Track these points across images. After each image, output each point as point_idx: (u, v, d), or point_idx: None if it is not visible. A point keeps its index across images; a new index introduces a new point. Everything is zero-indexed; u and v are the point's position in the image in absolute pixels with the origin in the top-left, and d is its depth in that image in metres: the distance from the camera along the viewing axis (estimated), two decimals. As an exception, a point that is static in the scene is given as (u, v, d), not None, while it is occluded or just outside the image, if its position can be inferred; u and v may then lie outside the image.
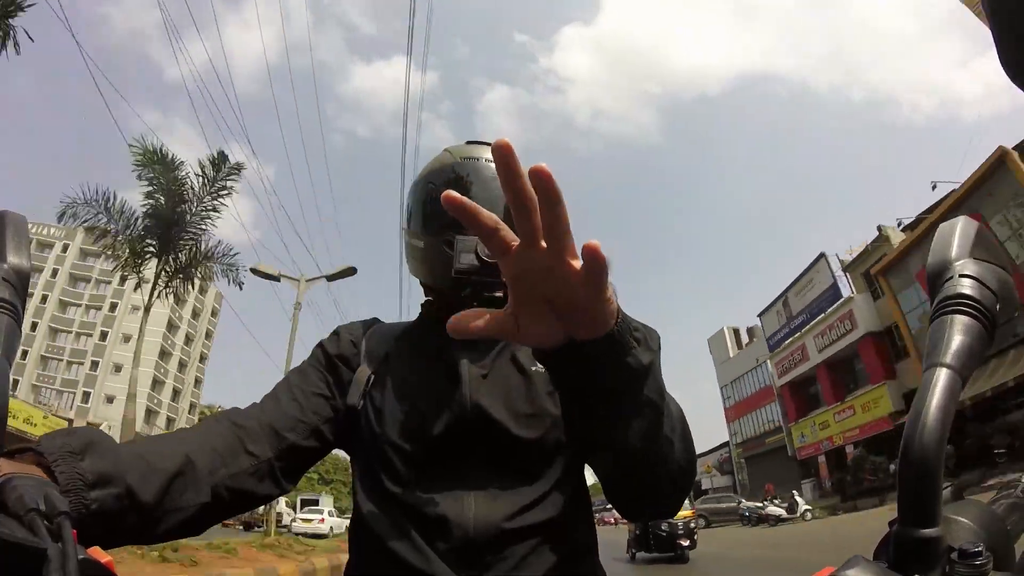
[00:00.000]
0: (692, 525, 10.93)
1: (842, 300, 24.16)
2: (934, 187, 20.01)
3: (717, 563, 10.15)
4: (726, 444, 39.38)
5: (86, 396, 47.42)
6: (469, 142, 0.88)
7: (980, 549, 0.32)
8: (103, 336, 49.49)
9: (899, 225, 22.10)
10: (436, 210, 0.81)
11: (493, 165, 0.81)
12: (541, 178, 0.41)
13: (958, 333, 0.36)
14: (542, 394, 0.76)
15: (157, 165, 12.27)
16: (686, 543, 10.14)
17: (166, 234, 12.67)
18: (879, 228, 22.45)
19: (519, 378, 0.77)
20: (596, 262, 0.42)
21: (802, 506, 19.72)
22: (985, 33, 0.35)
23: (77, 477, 0.49)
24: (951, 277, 0.39)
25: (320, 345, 0.84)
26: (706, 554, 11.22)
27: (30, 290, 0.49)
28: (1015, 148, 16.22)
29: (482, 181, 0.81)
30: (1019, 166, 15.95)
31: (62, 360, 48.32)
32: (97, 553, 0.37)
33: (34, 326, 46.52)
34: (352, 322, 0.89)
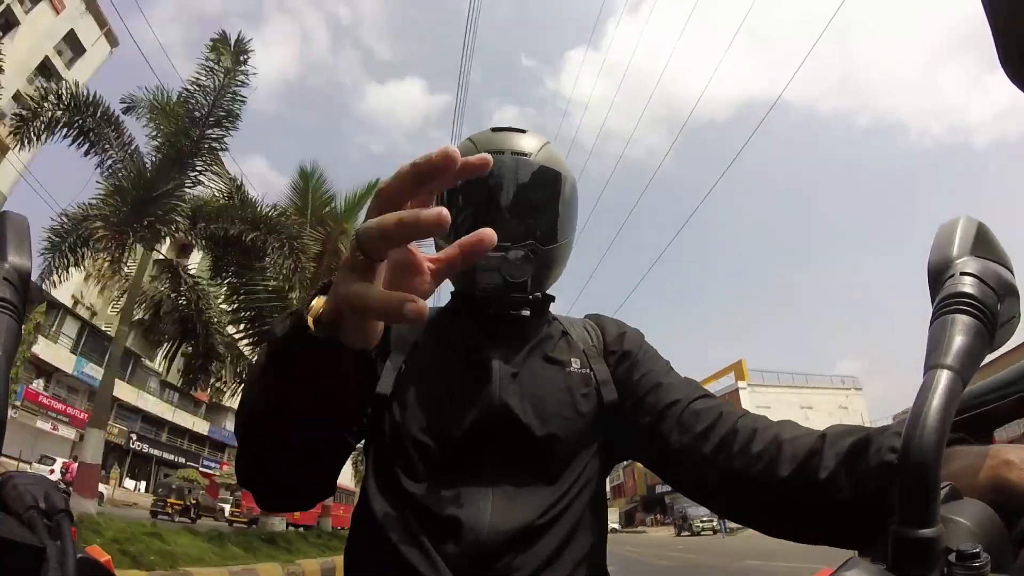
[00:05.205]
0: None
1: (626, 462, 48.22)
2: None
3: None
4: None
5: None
6: (494, 129, 0.83)
7: (978, 550, 0.31)
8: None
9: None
10: (455, 214, 0.77)
11: (518, 158, 0.79)
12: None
13: (959, 333, 0.35)
14: (576, 394, 0.74)
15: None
16: None
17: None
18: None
19: (552, 376, 0.75)
20: None
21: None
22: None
23: None
24: (952, 275, 0.38)
25: None
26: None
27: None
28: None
29: (506, 178, 0.77)
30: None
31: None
32: (95, 552, 0.37)
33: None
34: None
